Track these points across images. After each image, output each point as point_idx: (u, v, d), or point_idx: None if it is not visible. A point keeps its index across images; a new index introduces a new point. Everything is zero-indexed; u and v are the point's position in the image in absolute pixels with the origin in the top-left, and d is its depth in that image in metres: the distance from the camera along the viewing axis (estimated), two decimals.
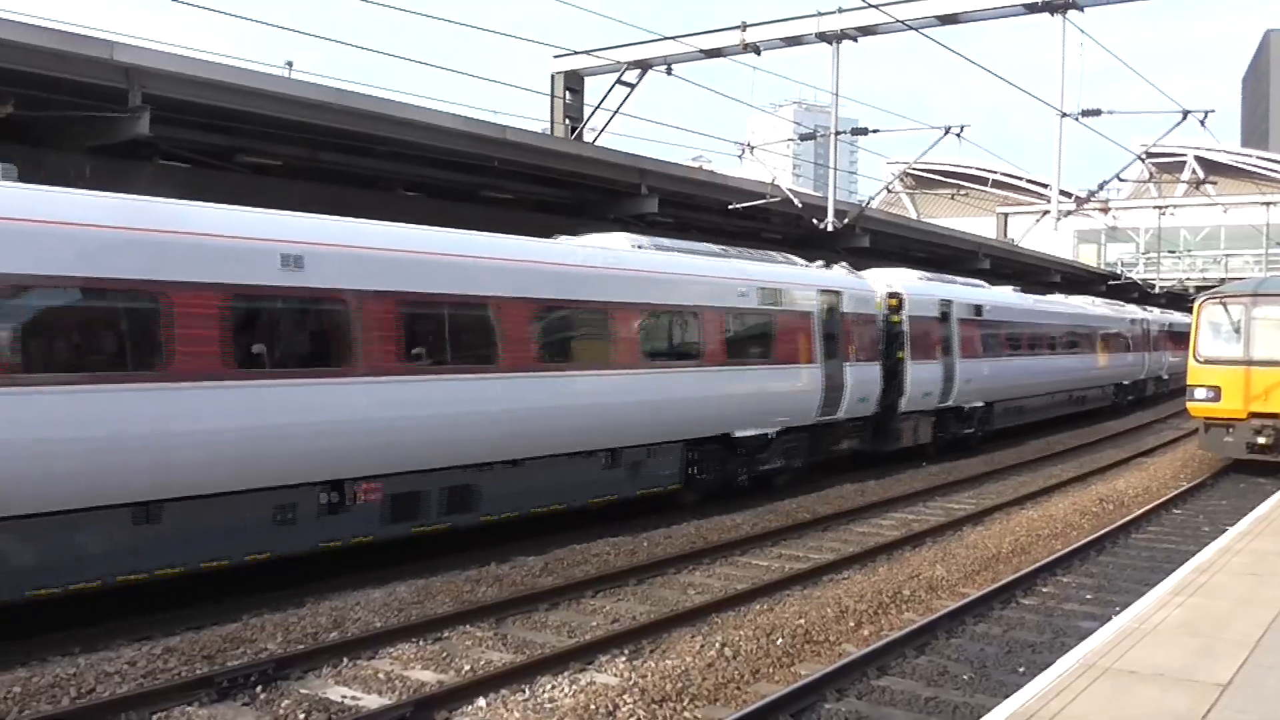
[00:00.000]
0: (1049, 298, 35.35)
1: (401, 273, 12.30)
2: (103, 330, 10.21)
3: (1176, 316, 47.50)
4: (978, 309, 25.72)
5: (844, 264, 23.13)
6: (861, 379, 20.44)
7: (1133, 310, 41.73)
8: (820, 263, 22.04)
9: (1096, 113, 24.24)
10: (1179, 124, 25.25)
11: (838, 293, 20.15)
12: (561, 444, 14.28)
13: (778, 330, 18.38)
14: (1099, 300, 40.19)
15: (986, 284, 29.49)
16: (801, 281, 19.41)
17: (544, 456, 14.02)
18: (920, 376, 22.60)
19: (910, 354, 22.30)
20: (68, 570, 9.66)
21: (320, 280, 11.44)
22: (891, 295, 22.39)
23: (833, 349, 19.63)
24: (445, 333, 12.91)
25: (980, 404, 25.67)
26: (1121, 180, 38.50)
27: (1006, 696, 7.06)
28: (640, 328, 15.75)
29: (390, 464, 12.10)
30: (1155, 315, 44.38)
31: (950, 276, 27.41)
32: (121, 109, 13.95)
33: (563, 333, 14.67)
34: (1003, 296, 28.83)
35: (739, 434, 17.51)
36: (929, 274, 25.91)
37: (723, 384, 17.05)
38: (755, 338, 18.06)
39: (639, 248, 16.81)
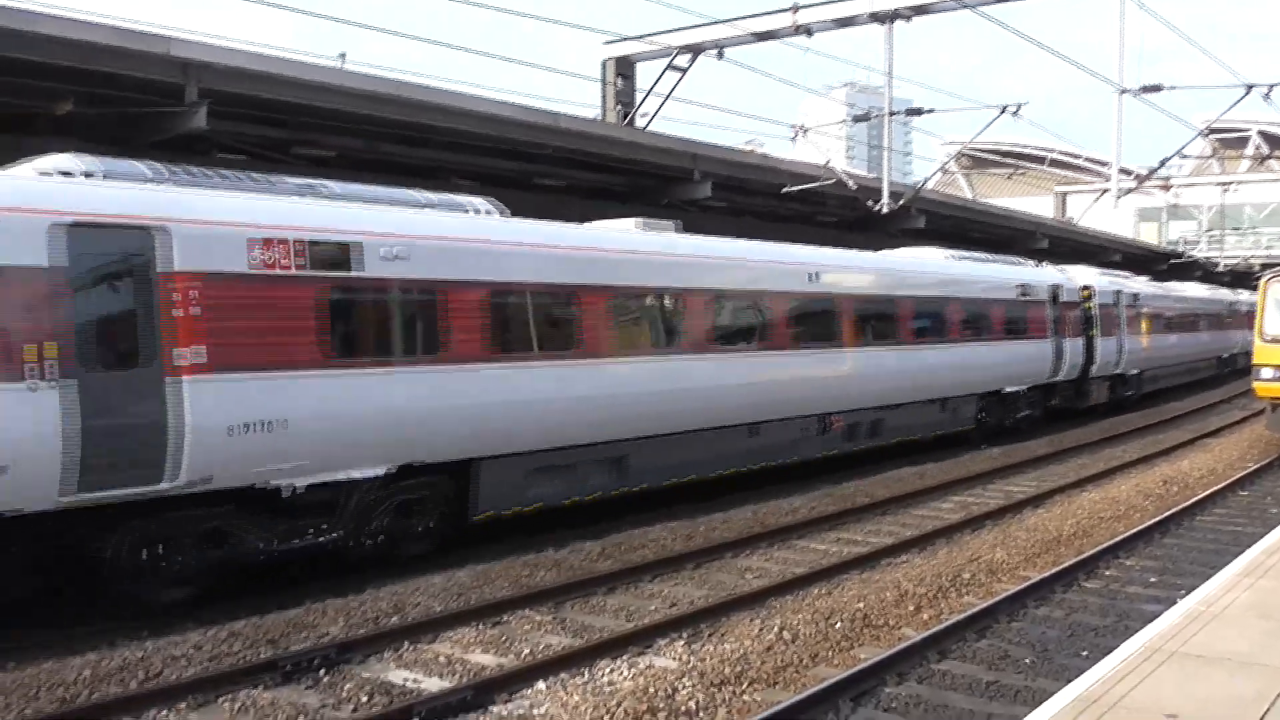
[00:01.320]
0: (1173, 284, 41.19)
1: (864, 283, 19.97)
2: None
3: None
4: (1135, 296, 31.65)
5: (1053, 265, 29.82)
6: (1073, 350, 26.98)
7: (1227, 293, 47.01)
8: (1033, 262, 28.40)
9: (1157, 88, 23.83)
10: (1242, 98, 24.75)
11: (1059, 286, 26.74)
12: (923, 394, 21.14)
13: (1029, 315, 25.07)
14: (1200, 285, 45.48)
15: (1132, 274, 35.61)
16: (1039, 279, 26.09)
17: (913, 402, 20.83)
18: (1105, 349, 28.77)
19: (1099, 332, 28.37)
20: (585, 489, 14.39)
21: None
22: (1084, 287, 28.31)
23: (1057, 328, 26.18)
24: (883, 321, 20.10)
25: (1136, 371, 31.65)
26: (1183, 157, 37.76)
27: (1069, 681, 6.97)
28: (959, 315, 22.33)
29: (845, 406, 18.88)
30: (1246, 296, 47.80)
31: (1114, 271, 34.11)
32: (179, 104, 14.16)
33: (930, 320, 21.44)
34: (1148, 286, 35.05)
35: (1007, 389, 24.38)
36: (1105, 270, 32.68)
37: (1002, 354, 23.83)
38: (1019, 319, 24.66)
39: (950, 258, 24.01)
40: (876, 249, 23.17)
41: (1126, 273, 35.09)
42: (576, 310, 14.00)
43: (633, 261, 15.05)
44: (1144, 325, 32.05)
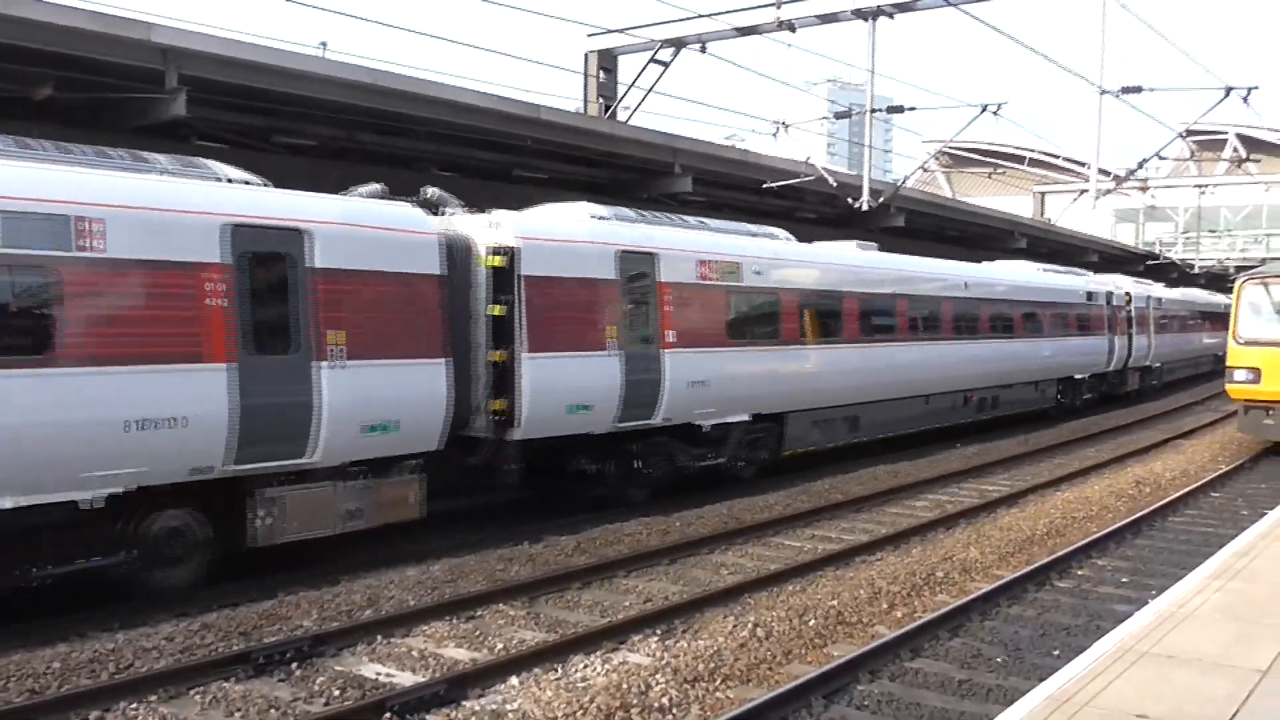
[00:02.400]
0: (1182, 290, 45.20)
1: (993, 289, 25.79)
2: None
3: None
4: (1160, 301, 37.62)
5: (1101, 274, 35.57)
6: (1121, 345, 33.05)
7: (1224, 298, 50.32)
8: (1089, 273, 33.98)
9: (1137, 90, 23.96)
10: (1221, 101, 24.88)
11: (1111, 292, 32.67)
12: (1025, 377, 26.98)
13: (1092, 315, 30.99)
14: (1202, 291, 49.85)
15: (1152, 282, 40.87)
16: (1099, 287, 32.15)
17: (1019, 384, 26.52)
18: (1140, 345, 34.72)
19: (1134, 330, 34.09)
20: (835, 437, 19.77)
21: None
22: (1126, 293, 33.89)
23: (1110, 327, 32.21)
24: (1004, 319, 25.77)
25: (1159, 364, 37.71)
26: (1161, 158, 37.99)
27: (1041, 680, 7.03)
28: (1049, 316, 28.16)
29: (978, 385, 24.41)
30: None
31: (1144, 280, 40.18)
32: (159, 90, 14.04)
33: (1032, 319, 27.25)
34: (1166, 292, 39.99)
35: (1077, 376, 30.19)
36: (1138, 279, 38.78)
37: (1075, 347, 29.76)
38: (1087, 319, 30.59)
39: (1040, 270, 30.01)
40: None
41: (1149, 280, 41.02)
42: (839, 309, 19.50)
43: (870, 274, 20.76)
44: (1164, 326, 37.99)
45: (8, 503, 9.13)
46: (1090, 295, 31.04)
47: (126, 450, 9.76)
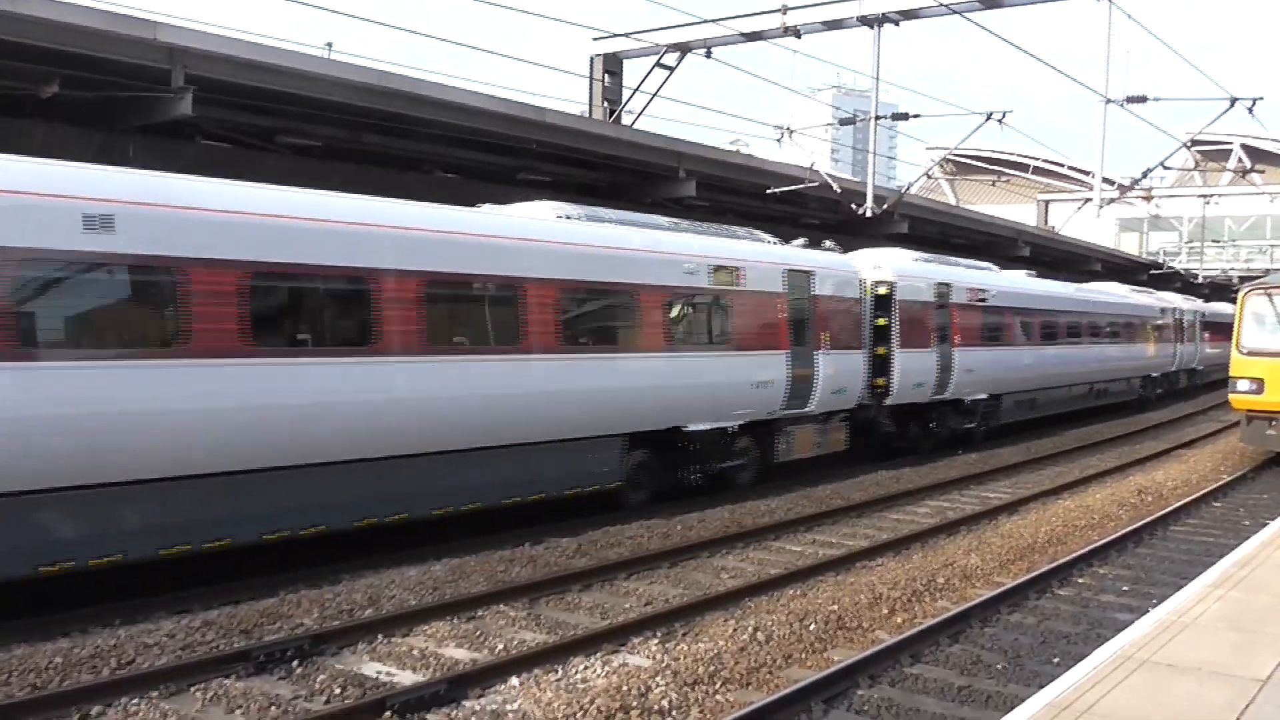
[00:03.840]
0: (1213, 304, 49.30)
1: (1108, 304, 33.70)
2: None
3: None
4: (1202, 315, 43.78)
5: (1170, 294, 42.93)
6: (1179, 351, 40.23)
7: None
8: (1155, 292, 40.57)
9: (1142, 99, 23.95)
10: (1226, 111, 24.89)
11: (1176, 308, 40.10)
12: (1125, 374, 34.64)
13: (1163, 325, 38.35)
14: (1227, 304, 55.56)
15: (1193, 298, 46.69)
16: (1168, 303, 39.51)
17: (1119, 379, 34.17)
18: (1188, 351, 41.55)
19: (1184, 339, 40.89)
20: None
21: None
22: (1177, 307, 40.37)
23: (1174, 335, 39.64)
24: (1114, 327, 33.34)
25: (1201, 367, 43.82)
26: (1166, 168, 38.05)
27: (1041, 687, 7.03)
28: (1139, 325, 35.87)
29: (1098, 379, 31.79)
30: None
31: (1189, 296, 46.33)
32: (165, 89, 14.06)
33: (1129, 328, 34.87)
34: (1204, 306, 45.69)
35: (1153, 374, 37.79)
36: (1187, 297, 44.98)
37: (1153, 350, 37.22)
38: (1159, 329, 37.98)
39: (1131, 291, 37.66)
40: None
41: (1193, 298, 46.77)
42: (1033, 321, 27.11)
43: (1045, 297, 28.71)
44: (1205, 335, 43.86)
45: (706, 425, 16.23)
46: (1162, 310, 38.49)
47: (752, 399, 17.03)
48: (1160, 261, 56.49)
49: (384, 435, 11.76)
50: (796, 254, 18.64)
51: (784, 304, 17.50)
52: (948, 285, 22.76)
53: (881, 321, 20.64)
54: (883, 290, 20.80)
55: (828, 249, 20.24)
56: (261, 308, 10.93)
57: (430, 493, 12.42)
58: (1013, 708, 6.58)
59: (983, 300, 24.06)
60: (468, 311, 13.28)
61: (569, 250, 14.18)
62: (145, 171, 10.75)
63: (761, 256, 17.51)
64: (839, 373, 18.69)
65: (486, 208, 14.56)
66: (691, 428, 15.78)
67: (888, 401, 20.89)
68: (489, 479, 13.08)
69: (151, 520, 10.11)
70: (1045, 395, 27.88)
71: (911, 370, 21.17)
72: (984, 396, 24.20)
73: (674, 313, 15.68)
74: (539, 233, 14.08)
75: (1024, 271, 30.26)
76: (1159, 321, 37.76)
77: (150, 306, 10.30)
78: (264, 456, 10.78)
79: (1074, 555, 12.67)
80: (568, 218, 14.97)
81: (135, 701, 7.78)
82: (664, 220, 17.05)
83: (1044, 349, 27.51)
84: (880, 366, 20.60)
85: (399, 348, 11.88)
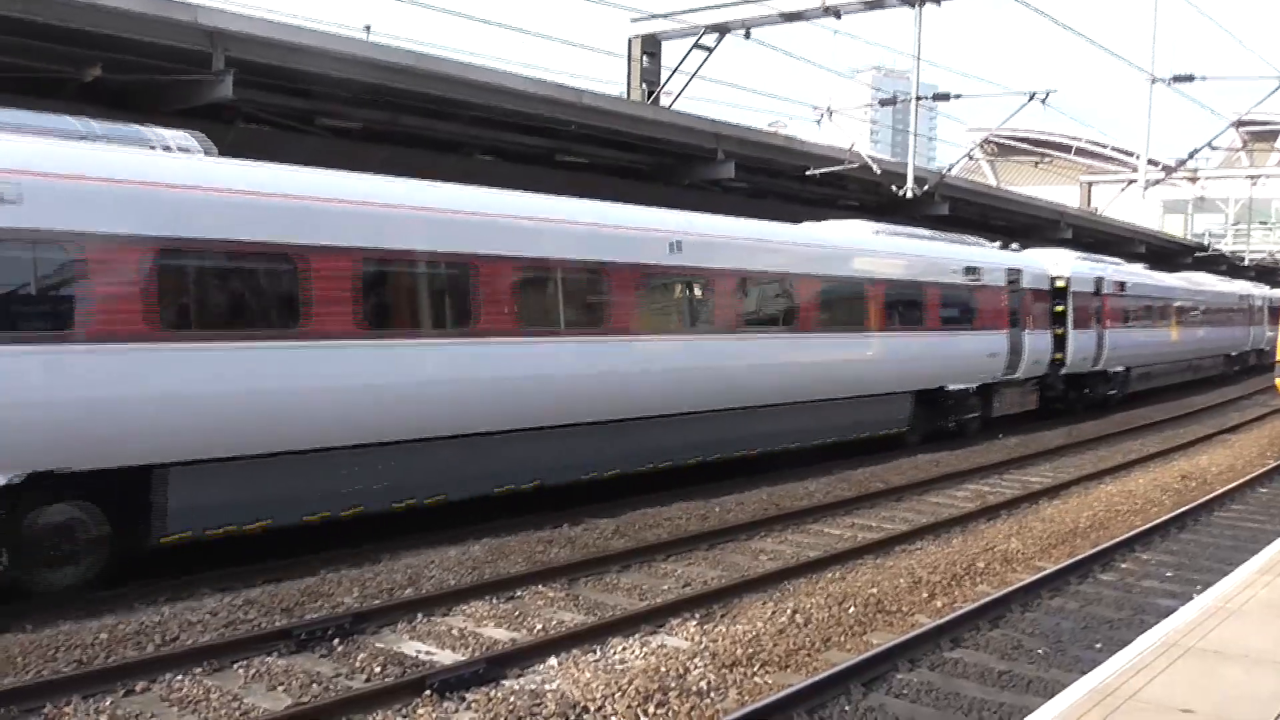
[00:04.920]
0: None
1: (1206, 292, 39.96)
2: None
3: None
4: (1271, 300, 48.39)
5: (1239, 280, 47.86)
6: (1257, 333, 46.03)
7: None
8: (1237, 281, 46.74)
9: (1189, 78, 23.55)
10: (1275, 90, 24.45)
11: (1252, 294, 45.35)
12: (1213, 352, 40.05)
13: (1241, 309, 43.50)
14: None
15: (1261, 284, 50.78)
16: (1246, 290, 45.05)
17: (1210, 356, 39.58)
18: (1258, 334, 46.30)
19: (1254, 322, 45.58)
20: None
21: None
22: (1247, 294, 45.19)
23: (1246, 319, 44.10)
24: (1208, 312, 38.93)
25: (1267, 347, 46.34)
26: (1212, 148, 37.53)
27: (1083, 673, 6.95)
28: (1226, 309, 41.23)
29: (1195, 356, 37.54)
30: None
31: (1259, 284, 50.47)
32: (205, 72, 14.15)
33: (1220, 313, 40.65)
34: (1272, 291, 49.85)
35: (1231, 353, 42.75)
36: (1257, 284, 49.48)
37: (1232, 332, 42.36)
38: (1239, 312, 43.40)
39: (1220, 280, 41.87)
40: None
41: (1263, 285, 50.51)
42: (1155, 308, 32.07)
43: (1161, 285, 33.65)
44: (1270, 319, 47.61)
45: (959, 386, 21.77)
46: (1240, 297, 43.87)
47: (986, 366, 22.43)
48: (1205, 244, 55.70)
49: (772, 391, 16.86)
50: (1011, 256, 24.87)
51: (1005, 295, 22.98)
52: (1101, 279, 27.81)
53: (1059, 308, 25.70)
54: (1060, 283, 25.90)
55: (1014, 249, 26.62)
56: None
57: (794, 430, 17.52)
58: (1054, 693, 6.52)
59: (1123, 290, 29.19)
60: (838, 303, 18.25)
61: (886, 258, 19.80)
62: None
63: (992, 259, 23.20)
64: (1036, 348, 24.28)
65: (809, 224, 19.94)
66: (950, 387, 21.38)
67: (1062, 371, 26.16)
68: (831, 421, 18.25)
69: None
70: (1159, 369, 33.47)
71: (1080, 346, 26.46)
72: (1121, 369, 29.31)
73: (945, 302, 20.92)
74: (868, 245, 19.79)
75: (1141, 266, 35.86)
76: (1237, 306, 43.17)
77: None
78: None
79: (1116, 540, 12.54)
80: (877, 233, 20.57)
81: (179, 678, 7.86)
82: (925, 231, 22.68)
83: (1162, 330, 33.17)
84: (1058, 344, 25.60)
85: (809, 328, 17.52)
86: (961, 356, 21.49)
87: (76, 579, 9.73)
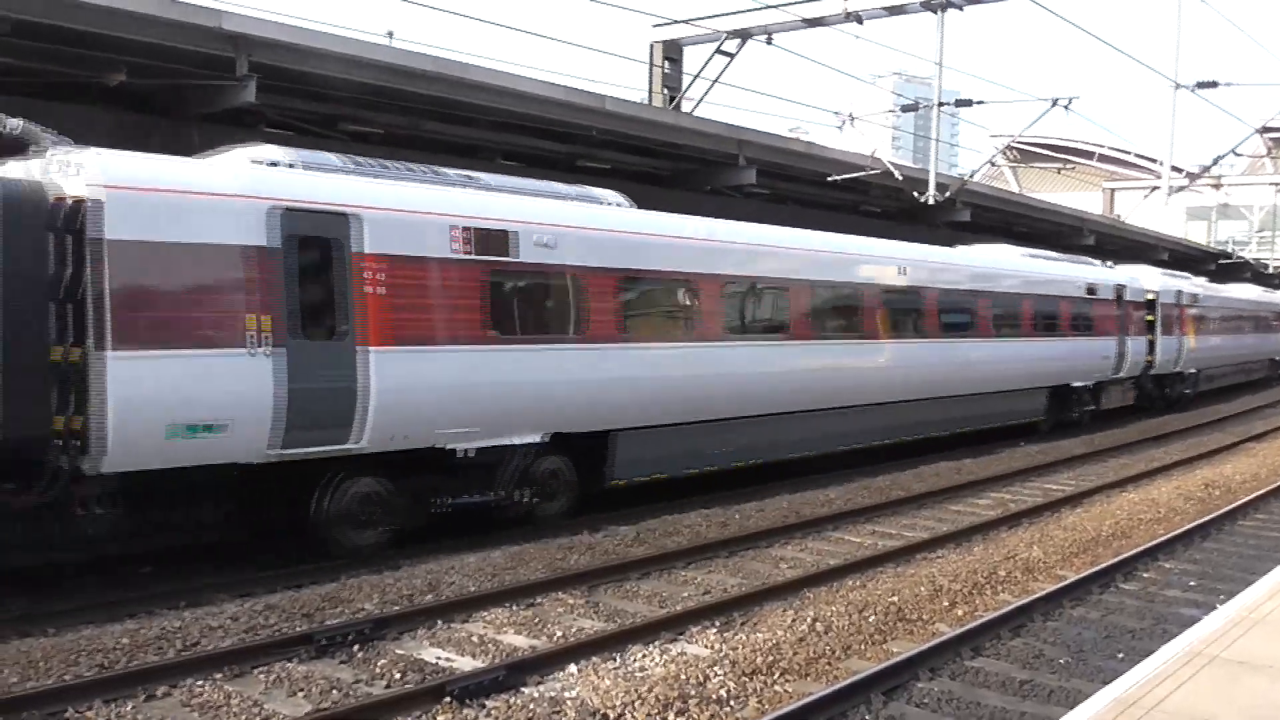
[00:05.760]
0: None
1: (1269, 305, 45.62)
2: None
3: None
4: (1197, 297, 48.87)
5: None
6: None
7: None
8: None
9: (1213, 85, 23.44)
10: None
11: None
12: (1252, 358, 41.94)
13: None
14: None
15: None
16: None
17: (1251, 360, 41.90)
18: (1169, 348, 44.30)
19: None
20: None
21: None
22: None
23: None
24: (1249, 324, 41.67)
25: None
26: (1236, 155, 37.24)
27: (1106, 682, 6.91)
28: (1260, 320, 43.45)
29: (1261, 356, 43.44)
30: None
31: None
32: (229, 77, 14.22)
33: (1253, 322, 42.31)
34: None
35: (1275, 357, 44.68)
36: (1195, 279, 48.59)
37: (1272, 338, 44.66)
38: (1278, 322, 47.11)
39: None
40: (926, 241, 23.04)
41: None
42: (1219, 317, 35.65)
43: (1223, 297, 37.50)
44: None
45: (1080, 382, 25.78)
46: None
47: (1100, 366, 26.48)
48: (1229, 251, 55.28)
49: (957, 385, 21.01)
50: (1117, 273, 28.81)
51: (1114, 307, 27.02)
52: (1180, 292, 31.49)
53: (1150, 318, 29.26)
54: (1150, 296, 29.51)
55: (1109, 266, 29.85)
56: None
57: (970, 417, 21.57)
58: (1077, 703, 6.48)
59: (1195, 302, 32.81)
60: (1005, 314, 22.47)
61: (1034, 277, 24.23)
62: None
63: (1105, 277, 27.45)
64: (1135, 351, 28.05)
65: (965, 248, 24.32)
66: (1074, 384, 25.47)
67: (1152, 372, 29.64)
68: (996, 409, 22.38)
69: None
70: (1220, 370, 36.79)
71: (1166, 350, 29.97)
72: (1194, 370, 32.99)
73: (1073, 313, 24.97)
74: (1020, 267, 24.04)
75: (1204, 279, 39.47)
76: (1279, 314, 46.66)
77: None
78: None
79: (1139, 549, 12.45)
80: (1024, 256, 25.21)
81: (199, 683, 7.89)
82: (1053, 253, 27.41)
83: (1224, 337, 36.53)
84: (1148, 348, 29.11)
85: (986, 334, 21.77)
86: (1083, 358, 25.77)
87: (557, 511, 13.69)
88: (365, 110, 16.70)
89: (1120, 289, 27.62)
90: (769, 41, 24.75)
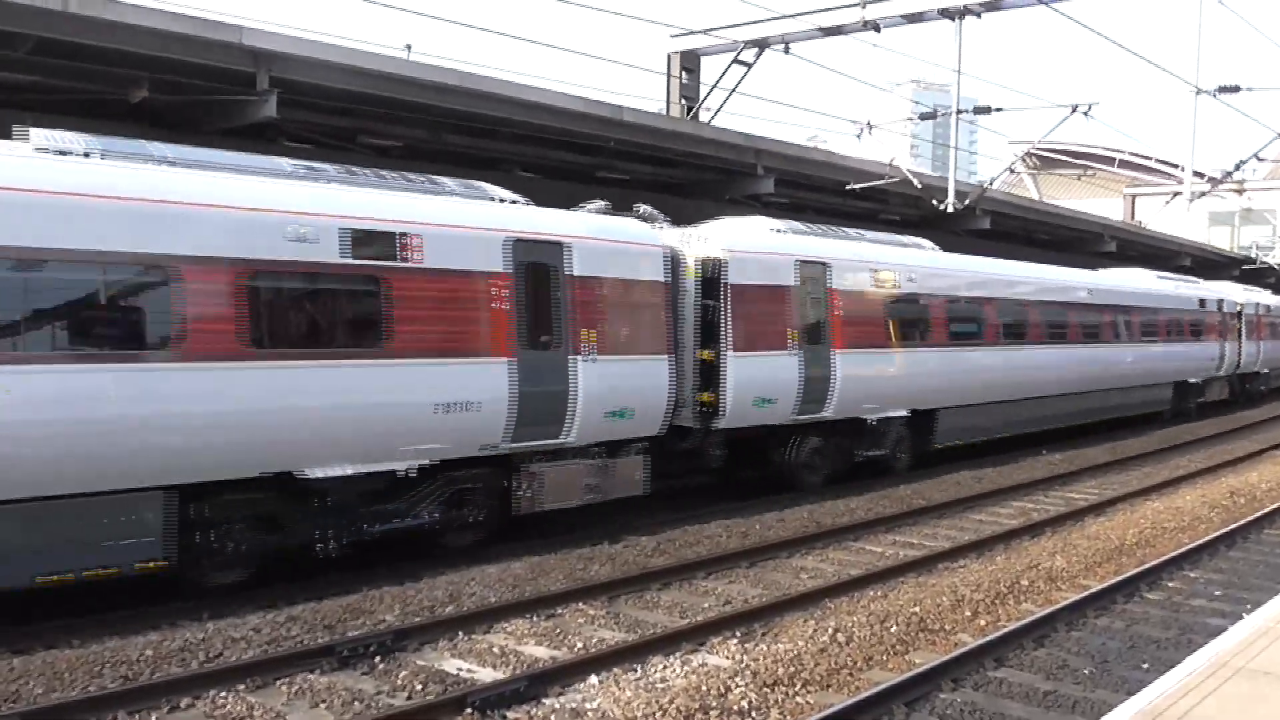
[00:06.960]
0: None
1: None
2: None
3: None
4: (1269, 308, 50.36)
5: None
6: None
7: None
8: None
9: (1234, 89, 23.24)
10: None
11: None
12: None
13: None
14: None
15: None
16: None
17: None
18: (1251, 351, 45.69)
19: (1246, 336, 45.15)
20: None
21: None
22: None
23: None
24: None
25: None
26: (1259, 160, 36.98)
27: (1131, 693, 6.86)
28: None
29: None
30: None
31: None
32: (250, 92, 14.32)
33: None
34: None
35: None
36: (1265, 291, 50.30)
37: None
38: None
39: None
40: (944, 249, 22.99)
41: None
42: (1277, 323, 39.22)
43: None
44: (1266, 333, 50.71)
45: (1193, 379, 31.56)
46: None
47: (1206, 366, 32.38)
48: (1253, 256, 54.87)
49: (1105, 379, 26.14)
50: (1217, 289, 34.14)
51: (1217, 317, 32.61)
52: (1257, 303, 36.70)
53: (1237, 326, 34.33)
54: (1236, 308, 34.53)
55: (1197, 283, 33.99)
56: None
57: (1124, 405, 27.12)
58: (1101, 714, 6.44)
59: (1268, 312, 37.75)
60: (1149, 324, 28.12)
61: (1167, 294, 29.82)
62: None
63: (1210, 292, 32.87)
64: (1231, 352, 33.61)
65: (1112, 270, 30.23)
66: (1189, 380, 30.80)
67: (1236, 371, 34.57)
68: (1140, 399, 27.95)
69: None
70: (1277, 370, 40.76)
71: (1248, 353, 35.34)
72: (1266, 370, 38.09)
73: (1191, 322, 30.54)
74: (1156, 287, 29.75)
75: (1269, 292, 42.32)
76: None
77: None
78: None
79: (1163, 558, 12.37)
80: (1157, 278, 30.69)
81: (223, 694, 7.93)
82: (1172, 275, 32.86)
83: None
84: (1238, 351, 34.16)
85: (1140, 340, 27.56)
86: (1197, 358, 31.33)
87: (904, 466, 19.02)
88: (385, 124, 16.77)
89: (1219, 302, 33.40)
90: (787, 50, 24.72)
